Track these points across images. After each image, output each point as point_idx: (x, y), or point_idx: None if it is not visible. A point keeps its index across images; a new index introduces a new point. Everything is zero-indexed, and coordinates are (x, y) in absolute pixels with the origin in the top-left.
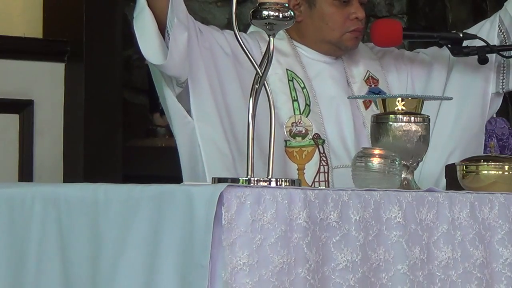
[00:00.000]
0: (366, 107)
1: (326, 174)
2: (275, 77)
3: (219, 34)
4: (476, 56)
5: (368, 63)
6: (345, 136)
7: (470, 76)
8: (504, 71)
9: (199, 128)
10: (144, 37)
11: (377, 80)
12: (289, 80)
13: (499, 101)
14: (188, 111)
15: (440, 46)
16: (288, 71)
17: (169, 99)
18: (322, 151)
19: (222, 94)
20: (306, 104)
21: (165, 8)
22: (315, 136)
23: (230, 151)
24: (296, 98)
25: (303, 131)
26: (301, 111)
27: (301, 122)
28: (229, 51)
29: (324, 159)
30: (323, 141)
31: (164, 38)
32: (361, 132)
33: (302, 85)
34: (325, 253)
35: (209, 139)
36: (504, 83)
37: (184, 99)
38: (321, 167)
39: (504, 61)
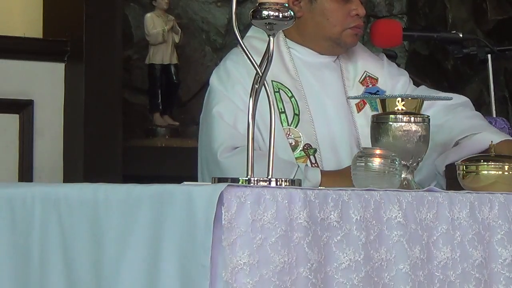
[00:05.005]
0: (359, 109)
1: None
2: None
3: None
4: None
5: (367, 62)
6: (335, 141)
7: None
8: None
9: None
10: None
11: (376, 79)
12: (275, 91)
13: None
14: None
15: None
16: (274, 82)
17: None
18: (314, 161)
19: None
20: (295, 114)
21: None
22: (305, 147)
23: None
24: (283, 110)
25: (293, 143)
26: (289, 123)
27: (290, 134)
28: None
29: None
30: (315, 151)
31: None
32: (352, 135)
33: (290, 94)
34: (327, 252)
35: None
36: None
37: None
38: None
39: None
